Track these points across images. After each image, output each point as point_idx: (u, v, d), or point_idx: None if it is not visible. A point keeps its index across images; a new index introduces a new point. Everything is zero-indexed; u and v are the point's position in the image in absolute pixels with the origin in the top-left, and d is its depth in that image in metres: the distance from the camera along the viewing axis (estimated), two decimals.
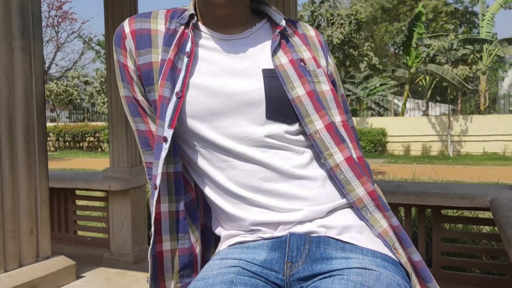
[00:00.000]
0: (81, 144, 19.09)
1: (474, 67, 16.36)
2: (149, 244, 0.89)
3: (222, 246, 0.92)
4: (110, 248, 3.51)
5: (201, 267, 0.92)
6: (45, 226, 1.18)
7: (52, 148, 18.50)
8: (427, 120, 15.20)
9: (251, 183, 0.85)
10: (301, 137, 0.87)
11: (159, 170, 0.84)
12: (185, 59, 0.87)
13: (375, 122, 15.57)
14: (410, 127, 15.07)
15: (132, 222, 3.47)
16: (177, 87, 0.85)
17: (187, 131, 0.88)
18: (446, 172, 9.29)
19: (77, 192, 3.83)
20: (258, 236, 0.86)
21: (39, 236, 1.17)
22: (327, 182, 0.86)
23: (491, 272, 2.74)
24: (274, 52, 0.89)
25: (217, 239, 1.02)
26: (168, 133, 0.84)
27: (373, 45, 16.76)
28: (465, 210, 3.28)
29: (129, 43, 0.90)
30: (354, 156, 0.86)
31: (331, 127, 0.85)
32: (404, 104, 17.00)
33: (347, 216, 0.85)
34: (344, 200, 0.86)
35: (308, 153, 0.87)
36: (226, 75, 0.87)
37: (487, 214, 3.22)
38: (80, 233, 3.84)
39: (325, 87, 0.91)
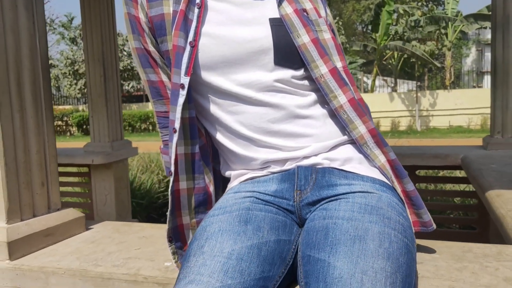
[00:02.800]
0: None
1: (439, 43, 16.77)
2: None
3: (233, 183, 1.00)
4: None
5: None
6: (55, 179, 1.22)
7: None
8: (396, 96, 15.56)
9: (260, 125, 0.92)
10: (305, 82, 0.95)
11: (177, 115, 0.90)
12: (196, 10, 0.93)
13: None
14: (379, 103, 15.39)
15: (116, 196, 3.49)
16: (190, 37, 0.91)
17: (200, 80, 0.94)
18: (415, 145, 9.60)
19: (59, 169, 3.80)
20: (268, 171, 0.94)
21: (49, 188, 1.21)
22: (329, 121, 0.95)
23: (462, 227, 2.93)
24: (279, 3, 0.96)
25: (225, 183, 1.10)
26: (185, 80, 0.89)
27: (341, 22, 16.88)
28: (438, 171, 3.46)
29: None
30: (356, 97, 0.95)
31: (334, 72, 0.93)
32: (373, 81, 17.30)
33: (348, 150, 0.94)
34: (345, 137, 0.94)
35: (312, 96, 0.94)
36: (236, 25, 0.93)
37: (459, 173, 3.42)
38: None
39: (326, 35, 0.98)
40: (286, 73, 0.93)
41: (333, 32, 1.03)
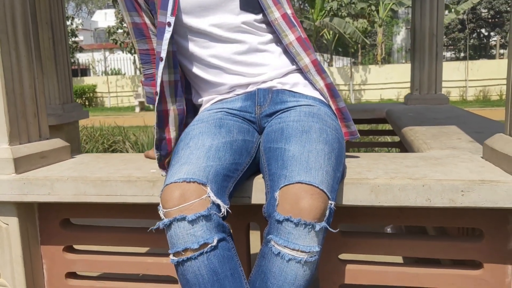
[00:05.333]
0: None
1: (371, 20, 17.59)
2: None
3: (205, 106, 1.25)
4: None
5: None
6: (44, 113, 1.40)
7: None
8: (331, 72, 16.22)
9: (228, 56, 1.17)
10: (263, 25, 1.21)
11: (163, 47, 1.13)
12: None
13: None
14: None
15: None
16: None
17: (180, 23, 1.17)
18: None
19: None
20: (234, 94, 1.21)
21: (40, 120, 1.38)
22: (282, 55, 1.22)
23: None
24: None
25: (196, 111, 1.34)
26: (171, 19, 1.12)
27: None
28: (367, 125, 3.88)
29: None
30: (303, 36, 1.22)
31: (285, 16, 1.20)
32: None
33: (296, 77, 1.22)
34: (294, 67, 1.22)
35: (269, 36, 1.21)
36: None
37: (385, 126, 3.85)
38: None
39: None
40: (249, 17, 1.18)
41: None
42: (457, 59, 21.85)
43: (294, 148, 0.99)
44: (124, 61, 20.48)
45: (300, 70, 1.22)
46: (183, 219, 0.88)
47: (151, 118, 10.78)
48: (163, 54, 1.13)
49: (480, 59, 18.35)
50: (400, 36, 28.52)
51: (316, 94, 1.21)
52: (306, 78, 1.22)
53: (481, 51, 22.68)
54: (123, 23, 18.80)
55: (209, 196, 0.91)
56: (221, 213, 0.92)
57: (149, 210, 1.24)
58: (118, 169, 1.26)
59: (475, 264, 1.15)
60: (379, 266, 1.18)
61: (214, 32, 1.16)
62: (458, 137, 1.59)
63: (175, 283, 1.27)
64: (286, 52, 1.22)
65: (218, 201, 0.92)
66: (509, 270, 1.11)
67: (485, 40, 24.08)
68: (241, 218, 1.22)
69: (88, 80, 18.79)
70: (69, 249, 1.36)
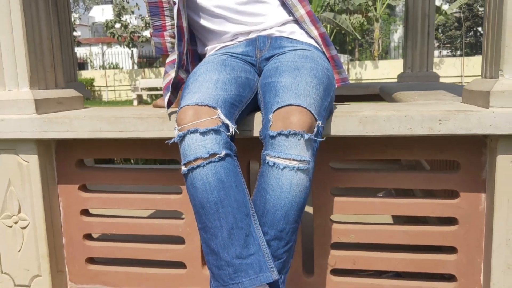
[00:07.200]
0: None
1: (369, 14, 17.73)
2: None
3: (210, 52, 1.37)
4: None
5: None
6: (60, 65, 1.51)
7: None
8: None
9: (231, 6, 1.29)
10: None
11: None
12: None
13: None
14: None
15: None
16: None
17: None
18: None
19: None
20: (236, 41, 1.32)
21: (56, 70, 1.50)
22: (280, 7, 1.33)
23: None
24: None
25: (201, 59, 1.46)
26: None
27: None
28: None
29: None
30: None
31: None
32: None
33: (293, 26, 1.34)
34: (291, 17, 1.34)
35: None
36: None
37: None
38: None
39: None
40: None
41: None
42: (454, 56, 22.02)
43: (286, 80, 1.11)
44: (122, 55, 20.54)
45: (296, 21, 1.34)
46: (196, 131, 1.00)
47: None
48: None
49: (476, 56, 18.49)
50: (398, 34, 28.64)
51: (312, 41, 1.33)
52: (302, 28, 1.34)
53: (478, 48, 22.84)
54: (120, 17, 18.88)
55: (219, 117, 1.03)
56: (229, 133, 1.04)
57: (159, 146, 1.35)
58: (131, 111, 1.38)
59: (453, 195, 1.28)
60: (366, 198, 1.31)
61: None
62: (443, 95, 1.71)
63: (179, 243, 1.39)
64: (284, 4, 1.34)
65: (227, 121, 1.04)
66: (482, 198, 1.24)
67: (481, 38, 24.22)
68: (243, 154, 1.34)
69: (85, 74, 18.84)
70: (84, 188, 1.48)
